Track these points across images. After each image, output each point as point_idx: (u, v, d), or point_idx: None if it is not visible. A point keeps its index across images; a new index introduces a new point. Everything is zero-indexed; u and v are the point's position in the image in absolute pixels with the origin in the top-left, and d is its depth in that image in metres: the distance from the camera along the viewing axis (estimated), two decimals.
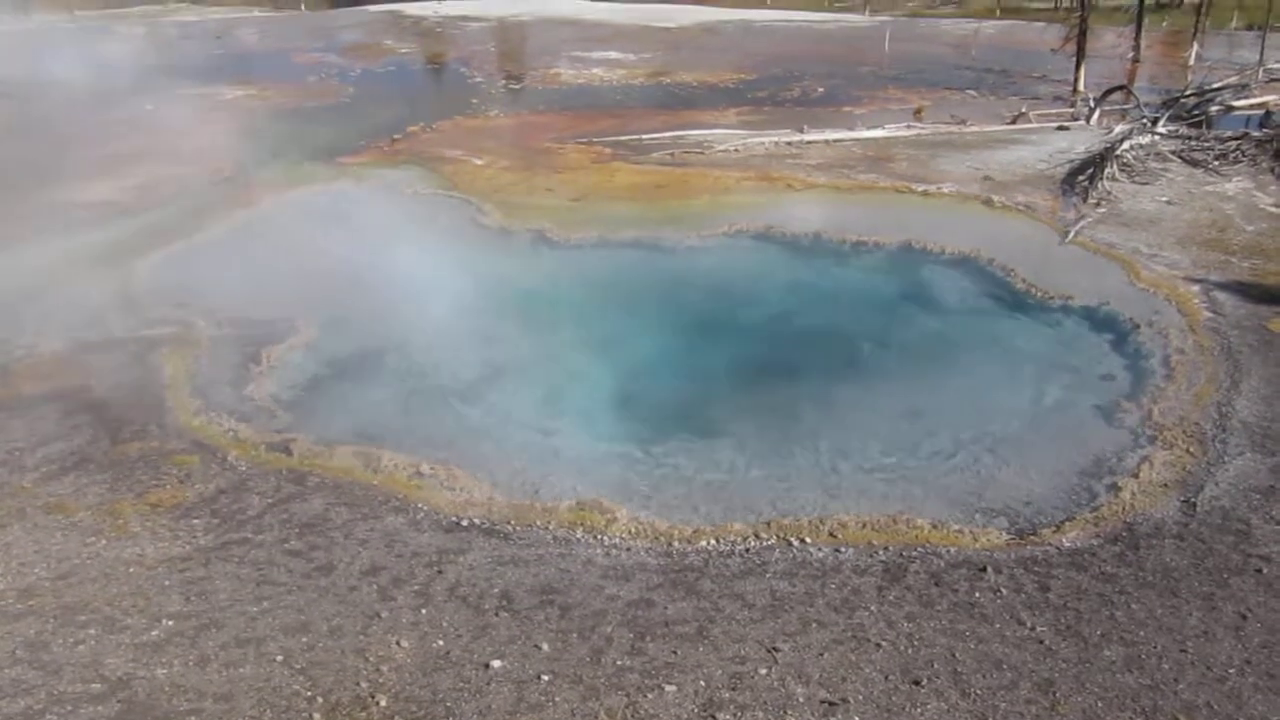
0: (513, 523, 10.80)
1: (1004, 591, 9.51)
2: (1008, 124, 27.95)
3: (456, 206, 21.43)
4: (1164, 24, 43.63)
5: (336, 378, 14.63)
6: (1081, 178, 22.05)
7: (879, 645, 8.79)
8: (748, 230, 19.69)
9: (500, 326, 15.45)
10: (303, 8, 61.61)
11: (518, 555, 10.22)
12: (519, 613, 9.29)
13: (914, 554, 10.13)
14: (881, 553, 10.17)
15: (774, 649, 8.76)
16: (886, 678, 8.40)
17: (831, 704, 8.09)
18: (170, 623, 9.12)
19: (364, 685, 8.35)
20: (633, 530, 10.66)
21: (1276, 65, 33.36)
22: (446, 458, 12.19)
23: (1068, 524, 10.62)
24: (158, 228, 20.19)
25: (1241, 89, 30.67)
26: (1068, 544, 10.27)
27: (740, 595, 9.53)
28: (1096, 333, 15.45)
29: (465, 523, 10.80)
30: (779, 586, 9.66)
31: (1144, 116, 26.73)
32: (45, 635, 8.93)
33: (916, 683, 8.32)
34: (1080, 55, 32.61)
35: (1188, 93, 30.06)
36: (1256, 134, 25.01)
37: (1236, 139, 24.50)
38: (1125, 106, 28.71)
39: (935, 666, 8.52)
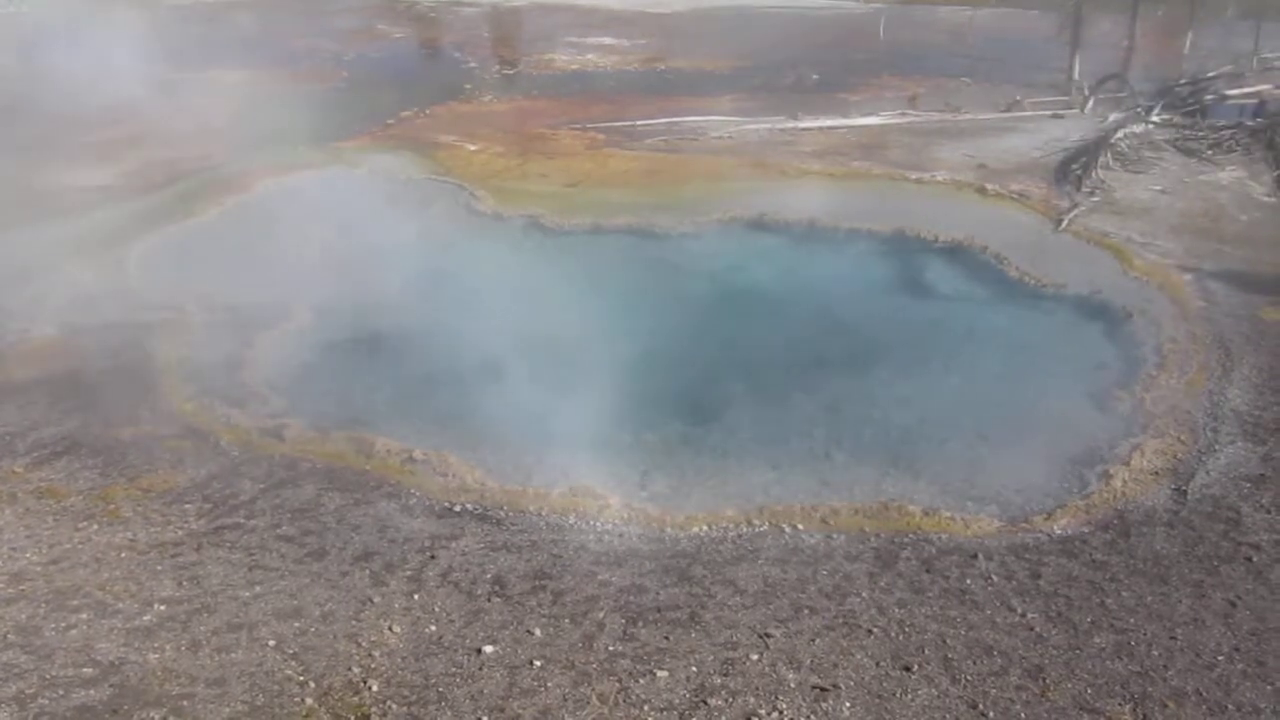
0: (505, 508, 10.82)
1: (995, 578, 9.56)
2: (1002, 112, 27.87)
3: (450, 192, 21.34)
4: (1159, 12, 43.56)
5: (330, 363, 14.59)
6: (1075, 166, 22.03)
7: (870, 631, 8.83)
8: (741, 217, 19.63)
9: (493, 312, 15.41)
10: None
11: (510, 541, 10.24)
12: (511, 598, 9.32)
13: (905, 541, 10.18)
14: (873, 539, 10.21)
15: (766, 635, 8.79)
16: (878, 664, 8.44)
17: (823, 690, 8.13)
18: (162, 607, 9.12)
19: (356, 670, 8.36)
20: (625, 516, 10.68)
21: (1271, 54, 33.32)
22: (439, 443, 12.18)
23: (1059, 511, 10.68)
24: (151, 212, 20.08)
25: (1236, 78, 30.64)
26: (1059, 531, 10.32)
27: (732, 581, 9.56)
28: (1089, 321, 15.47)
29: (458, 508, 10.81)
30: (771, 572, 9.69)
31: (1139, 105, 26.70)
32: (37, 620, 8.93)
33: (907, 668, 8.37)
34: (1075, 43, 32.48)
35: (1182, 81, 30.02)
36: (1250, 123, 24.99)
37: (1231, 128, 24.48)
38: (1120, 95, 28.66)
39: (926, 652, 8.56)
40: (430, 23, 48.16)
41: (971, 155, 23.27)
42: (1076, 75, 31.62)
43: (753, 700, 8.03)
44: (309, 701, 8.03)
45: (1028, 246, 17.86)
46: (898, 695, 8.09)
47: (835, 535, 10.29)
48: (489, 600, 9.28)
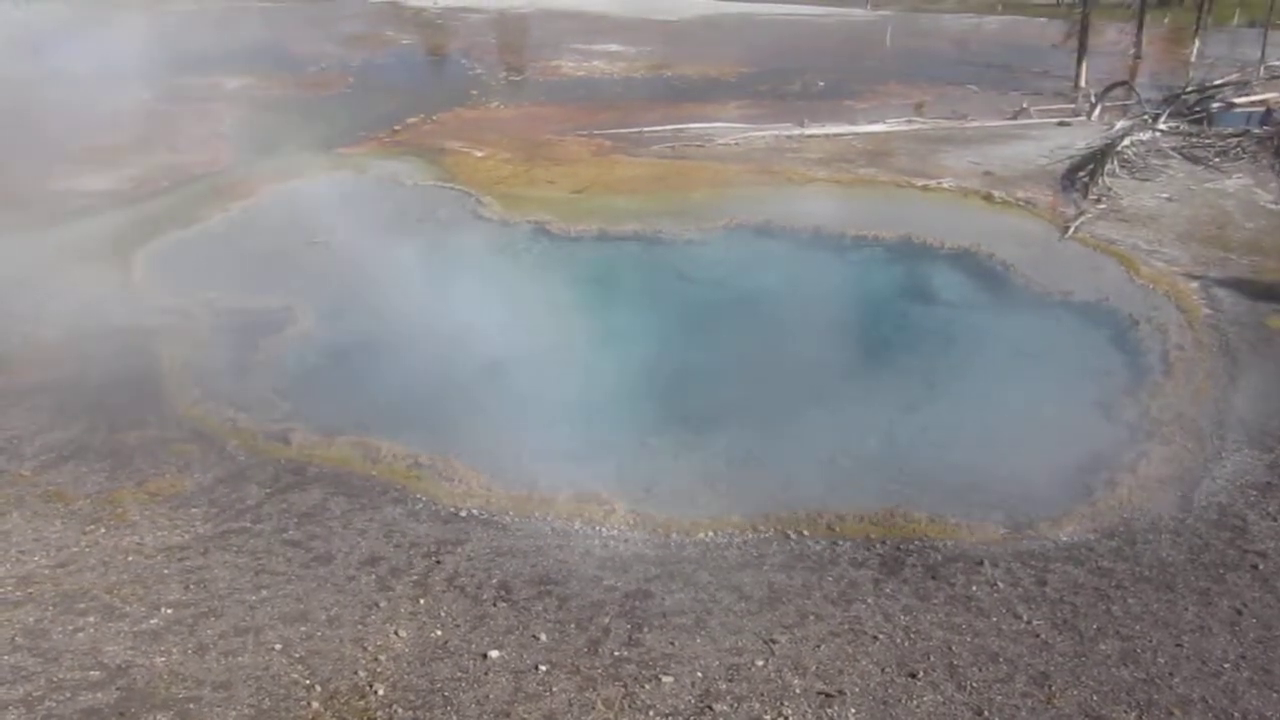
0: (511, 513, 10.83)
1: (1001, 585, 9.54)
2: (1009, 119, 27.90)
3: (456, 198, 21.39)
4: (1165, 20, 43.58)
5: (335, 367, 14.63)
6: (1082, 174, 22.03)
7: (876, 638, 8.82)
8: (747, 224, 19.65)
9: (499, 318, 15.43)
10: None
11: (516, 546, 10.25)
12: (517, 603, 9.32)
13: (911, 547, 10.17)
14: (879, 546, 10.20)
15: (771, 641, 8.78)
16: (883, 670, 8.43)
17: (828, 696, 8.12)
18: (169, 611, 9.14)
19: (362, 674, 8.38)
20: (631, 521, 10.68)
21: (1278, 62, 33.31)
22: (445, 448, 12.19)
23: (1065, 518, 10.65)
24: (156, 217, 20.16)
25: (1243, 86, 30.63)
26: (1065, 538, 10.30)
27: (738, 587, 9.56)
28: (1095, 328, 15.45)
29: (464, 513, 10.82)
30: (776, 579, 9.69)
31: (1145, 113, 26.70)
32: (44, 623, 8.96)
33: (913, 675, 8.36)
34: (1082, 51, 32.54)
35: (1189, 89, 30.03)
36: (1257, 131, 24.99)
37: (1237, 136, 24.47)
38: (1126, 103, 28.67)
39: (931, 659, 8.55)
40: (437, 29, 48.32)
41: (978, 163, 23.29)
42: (1083, 83, 31.68)
43: (758, 706, 8.03)
44: (315, 705, 8.04)
45: (1034, 253, 17.85)
46: (903, 701, 8.09)
47: (841, 541, 10.28)
48: (494, 605, 9.29)
